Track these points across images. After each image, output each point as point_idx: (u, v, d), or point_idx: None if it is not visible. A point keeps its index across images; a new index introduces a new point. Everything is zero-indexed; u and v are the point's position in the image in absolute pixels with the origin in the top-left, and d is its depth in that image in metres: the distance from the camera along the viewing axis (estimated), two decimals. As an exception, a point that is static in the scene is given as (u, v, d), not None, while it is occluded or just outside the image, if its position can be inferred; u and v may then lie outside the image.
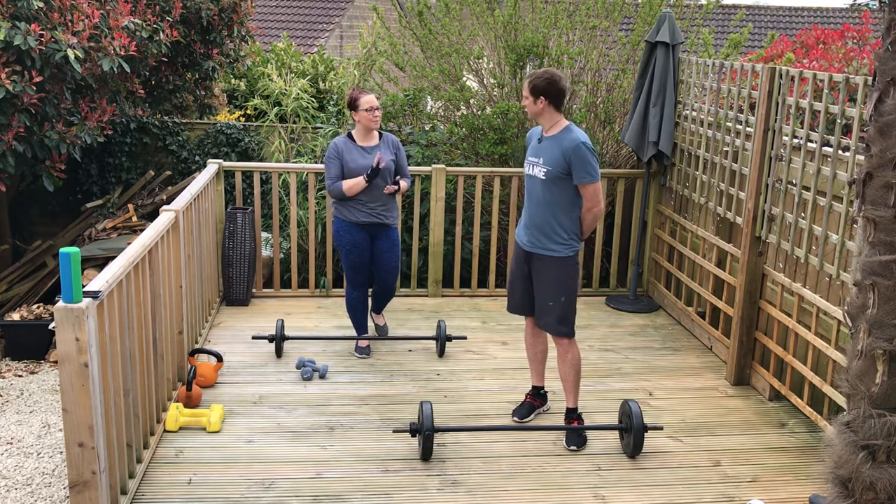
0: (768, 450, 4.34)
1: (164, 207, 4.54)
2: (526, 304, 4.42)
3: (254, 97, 9.01)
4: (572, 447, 4.24)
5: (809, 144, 4.53)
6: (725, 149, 5.45)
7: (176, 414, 4.31)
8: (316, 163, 7.09)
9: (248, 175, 7.94)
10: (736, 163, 5.31)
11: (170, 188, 7.95)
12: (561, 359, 4.35)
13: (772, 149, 4.83)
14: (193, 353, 4.94)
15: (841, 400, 3.98)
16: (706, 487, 3.96)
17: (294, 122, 7.75)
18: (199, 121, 8.63)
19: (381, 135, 5.26)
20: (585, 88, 7.09)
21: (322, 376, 5.04)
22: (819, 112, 4.40)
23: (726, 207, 5.44)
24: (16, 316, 6.70)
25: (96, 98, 6.78)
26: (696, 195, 5.85)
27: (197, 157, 8.29)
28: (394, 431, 4.26)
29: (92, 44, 6.10)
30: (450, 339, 5.41)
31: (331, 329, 5.87)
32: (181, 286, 4.70)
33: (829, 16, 20.43)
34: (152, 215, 7.64)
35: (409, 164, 6.05)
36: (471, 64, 7.28)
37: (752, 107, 5.37)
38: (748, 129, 5.16)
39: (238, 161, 8.06)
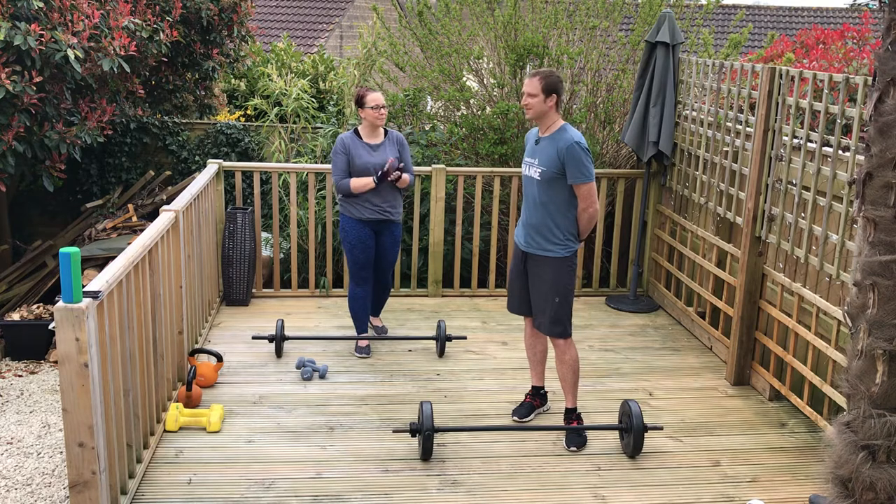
0: (768, 450, 4.34)
1: (164, 207, 4.54)
2: (525, 305, 4.42)
3: (254, 97, 9.01)
4: (572, 448, 4.23)
5: (809, 144, 4.53)
6: (725, 149, 5.45)
7: (176, 414, 4.31)
8: (316, 163, 7.10)
9: (248, 175, 7.95)
10: (736, 163, 5.31)
11: (170, 188, 7.96)
12: (559, 359, 4.35)
13: (772, 149, 4.83)
14: (193, 353, 4.94)
15: (841, 400, 3.98)
16: (706, 487, 3.96)
17: (294, 123, 7.75)
18: (199, 121, 8.64)
19: (386, 132, 5.29)
20: (585, 88, 7.08)
21: (322, 376, 5.04)
22: (819, 112, 4.39)
23: (726, 207, 5.44)
24: (16, 316, 6.70)
25: (96, 98, 6.78)
26: (696, 195, 5.85)
27: (197, 157, 8.30)
28: (394, 431, 4.26)
29: (92, 44, 6.10)
30: (450, 339, 5.42)
31: (331, 329, 5.87)
32: (181, 286, 4.70)
33: (829, 16, 20.42)
34: (152, 215, 7.65)
35: (409, 165, 6.07)
36: (471, 64, 7.28)
37: (752, 107, 5.37)
38: (748, 129, 5.16)
39: (238, 161, 8.08)
